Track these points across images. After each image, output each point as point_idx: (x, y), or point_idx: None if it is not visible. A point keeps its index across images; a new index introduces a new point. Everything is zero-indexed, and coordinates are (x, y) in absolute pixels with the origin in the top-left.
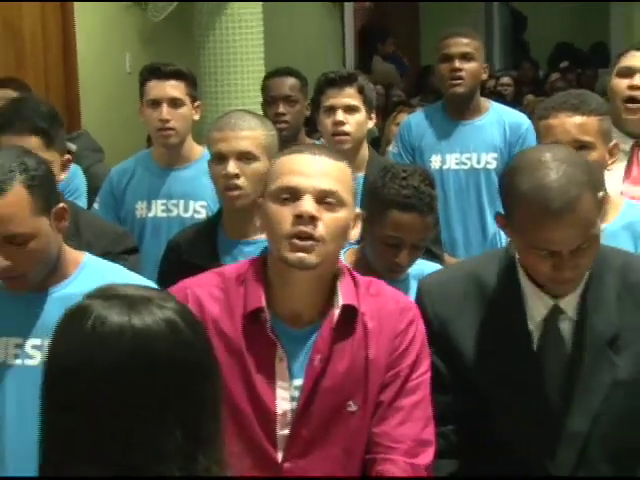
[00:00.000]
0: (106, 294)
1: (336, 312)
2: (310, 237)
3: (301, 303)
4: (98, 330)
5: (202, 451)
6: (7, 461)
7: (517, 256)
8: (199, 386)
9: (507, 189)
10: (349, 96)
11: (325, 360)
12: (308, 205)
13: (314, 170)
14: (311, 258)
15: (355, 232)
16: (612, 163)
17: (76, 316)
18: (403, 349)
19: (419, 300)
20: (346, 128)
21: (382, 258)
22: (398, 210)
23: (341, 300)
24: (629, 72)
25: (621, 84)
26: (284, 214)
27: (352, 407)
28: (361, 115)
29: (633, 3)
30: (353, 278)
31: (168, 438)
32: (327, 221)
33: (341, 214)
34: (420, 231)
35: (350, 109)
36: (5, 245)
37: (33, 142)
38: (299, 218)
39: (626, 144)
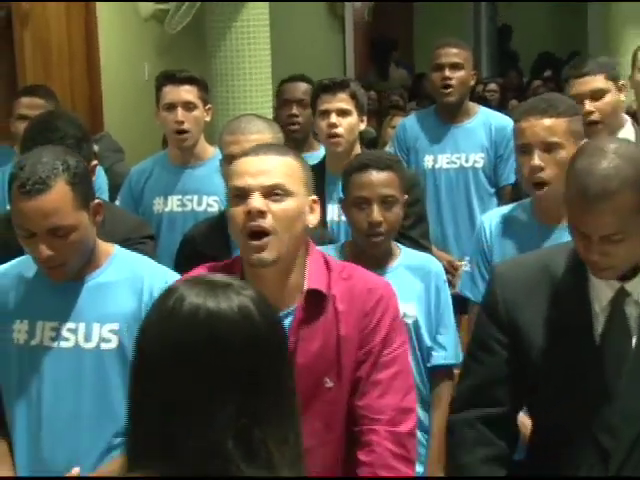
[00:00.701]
0: (194, 279)
1: (303, 297)
2: (262, 230)
3: (273, 291)
4: (177, 309)
5: (259, 427)
6: (43, 436)
7: None
8: (263, 370)
9: (569, 165)
10: (342, 101)
11: (297, 340)
12: (256, 202)
13: (258, 169)
14: (267, 255)
15: (314, 217)
16: None
17: (164, 296)
18: (373, 326)
19: (490, 284)
20: (339, 130)
21: (359, 225)
22: (357, 172)
23: (306, 285)
24: (578, 101)
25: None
26: (237, 212)
27: (328, 383)
28: (353, 118)
29: (609, 15)
30: (327, 263)
31: (224, 411)
32: (276, 212)
33: (290, 203)
34: (380, 185)
35: (343, 113)
36: (48, 237)
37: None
38: (249, 214)
39: None
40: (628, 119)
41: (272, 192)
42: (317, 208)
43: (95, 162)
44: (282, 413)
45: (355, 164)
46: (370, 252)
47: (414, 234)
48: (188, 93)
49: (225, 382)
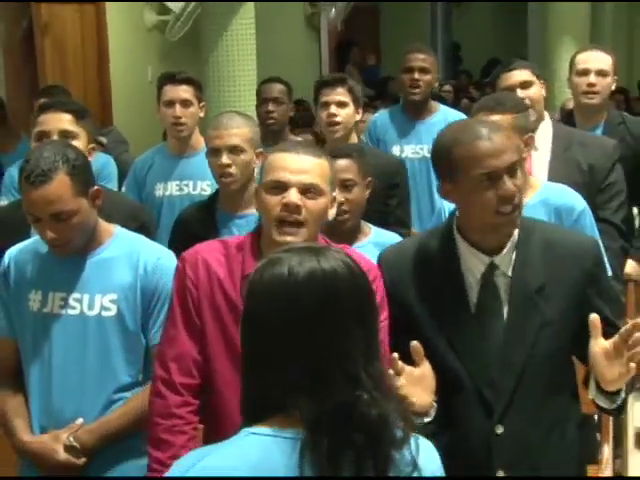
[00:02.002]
0: (290, 249)
1: None
2: (296, 222)
3: None
4: (294, 274)
5: (375, 357)
6: (54, 391)
7: (454, 227)
8: (367, 313)
9: (445, 151)
10: (340, 94)
11: None
12: (294, 197)
13: (299, 167)
14: (296, 240)
15: (332, 212)
16: (527, 151)
17: (271, 266)
18: None
19: (379, 267)
20: (337, 119)
21: None
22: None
23: None
24: (513, 87)
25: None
26: (274, 202)
27: None
28: (350, 109)
29: (546, 26)
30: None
31: (353, 348)
32: (309, 208)
33: (320, 201)
34: (339, 171)
35: (341, 104)
36: (52, 221)
37: (65, 117)
38: (286, 206)
39: None
40: (547, 113)
41: (308, 190)
42: (335, 204)
43: (93, 145)
44: (379, 350)
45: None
46: (338, 229)
47: (400, 213)
48: (185, 92)
49: (347, 326)
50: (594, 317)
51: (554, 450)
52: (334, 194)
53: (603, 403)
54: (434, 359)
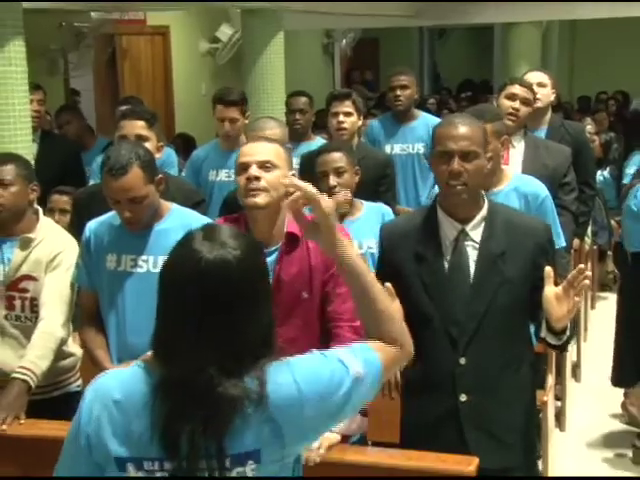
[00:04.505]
0: (204, 229)
1: (284, 238)
2: (258, 188)
3: (265, 232)
4: (183, 250)
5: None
6: (127, 332)
7: (437, 202)
8: (232, 303)
9: (434, 128)
10: (346, 106)
11: (281, 267)
12: (253, 171)
13: (255, 150)
14: (259, 200)
15: None
16: (504, 150)
17: (186, 238)
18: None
19: (380, 236)
20: (345, 126)
21: (323, 190)
22: (317, 156)
23: (285, 229)
24: (512, 97)
25: (507, 104)
26: (242, 179)
27: (304, 295)
28: (354, 117)
29: (508, 54)
30: None
31: (210, 340)
32: (267, 178)
33: (276, 173)
34: (332, 162)
35: (347, 114)
36: (128, 204)
37: (139, 124)
38: (249, 179)
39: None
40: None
41: (264, 165)
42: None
43: (161, 144)
44: (261, 331)
45: (316, 152)
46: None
47: (388, 196)
48: (232, 112)
49: (202, 309)
50: (548, 269)
51: (509, 380)
52: (292, 172)
53: (552, 340)
54: (412, 304)
